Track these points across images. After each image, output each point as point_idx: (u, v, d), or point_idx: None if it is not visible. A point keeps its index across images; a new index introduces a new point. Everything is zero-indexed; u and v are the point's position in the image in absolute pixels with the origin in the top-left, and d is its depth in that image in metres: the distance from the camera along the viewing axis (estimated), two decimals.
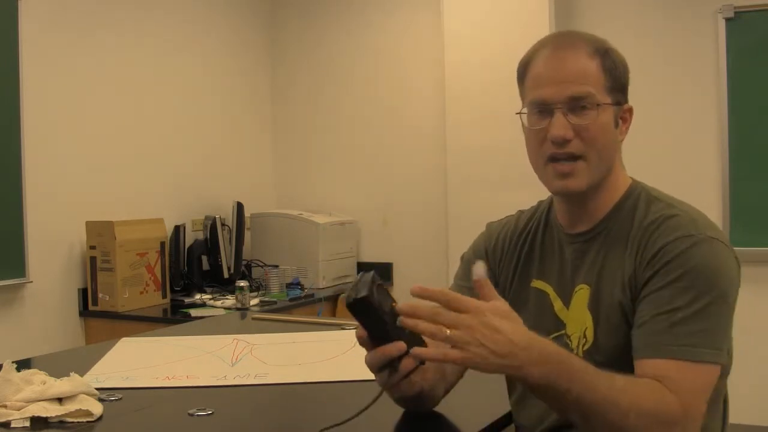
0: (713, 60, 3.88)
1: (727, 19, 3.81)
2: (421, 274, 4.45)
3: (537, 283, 1.35)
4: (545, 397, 1.10)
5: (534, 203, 1.48)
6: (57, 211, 3.52)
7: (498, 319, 1.04)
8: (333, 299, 4.05)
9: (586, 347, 1.25)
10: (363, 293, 1.08)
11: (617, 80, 1.28)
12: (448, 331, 1.02)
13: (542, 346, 1.07)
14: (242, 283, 3.58)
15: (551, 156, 1.26)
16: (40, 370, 1.52)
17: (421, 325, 1.03)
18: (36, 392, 1.39)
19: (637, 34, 4.05)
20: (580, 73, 1.25)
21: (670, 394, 1.10)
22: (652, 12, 4.03)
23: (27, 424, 1.35)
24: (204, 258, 4.14)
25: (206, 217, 4.20)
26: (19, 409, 1.37)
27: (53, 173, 3.50)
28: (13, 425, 1.34)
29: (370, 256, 4.60)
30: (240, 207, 4.22)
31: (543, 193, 1.42)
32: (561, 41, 1.30)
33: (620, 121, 1.30)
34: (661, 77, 4.01)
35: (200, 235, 4.18)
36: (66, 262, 3.59)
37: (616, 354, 1.21)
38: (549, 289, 1.34)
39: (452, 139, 4.14)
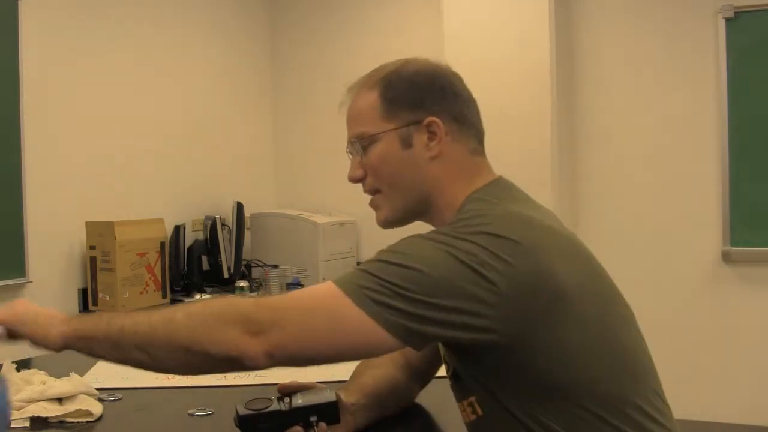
0: (713, 60, 3.88)
1: (727, 19, 3.81)
2: None
3: None
4: (95, 348, 1.11)
5: None
6: (57, 211, 3.52)
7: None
8: None
9: (449, 372, 1.23)
10: (236, 414, 1.16)
11: (402, 101, 1.23)
12: None
13: (46, 311, 1.14)
14: (242, 283, 3.59)
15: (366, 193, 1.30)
16: (40, 370, 1.52)
17: None
18: (36, 392, 1.39)
19: (637, 34, 4.06)
20: (353, 115, 1.27)
21: (251, 301, 1.08)
22: (652, 12, 4.03)
23: (27, 424, 1.35)
24: (204, 258, 4.15)
25: (206, 217, 4.20)
26: (19, 409, 1.37)
27: (53, 173, 3.50)
28: (13, 425, 1.34)
29: (369, 256, 4.58)
30: (240, 207, 4.22)
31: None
32: (352, 86, 1.30)
33: (427, 137, 1.22)
34: (661, 77, 4.01)
35: (200, 235, 4.19)
36: (66, 262, 3.59)
37: (467, 375, 1.15)
38: None
39: None
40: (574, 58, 4.17)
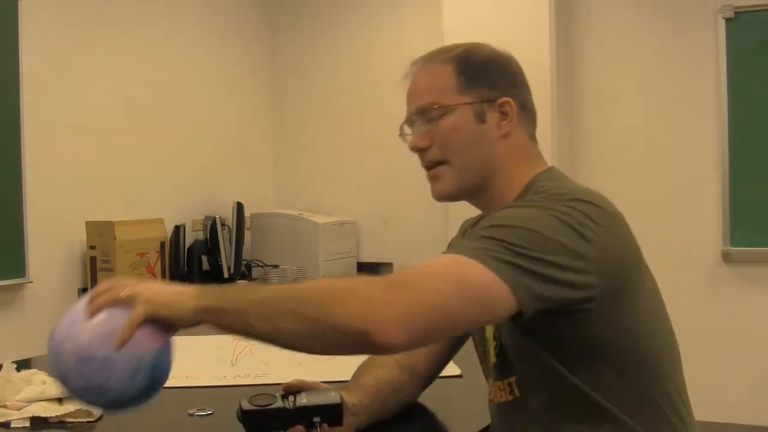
0: (713, 60, 3.88)
1: (727, 19, 3.81)
2: None
3: None
4: (225, 319, 1.08)
5: None
6: (57, 211, 3.52)
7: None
8: None
9: (496, 349, 1.25)
10: (240, 409, 1.16)
11: (478, 78, 1.27)
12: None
13: (201, 286, 1.11)
14: (242, 283, 3.58)
15: (424, 167, 1.30)
16: (40, 370, 1.52)
17: (101, 300, 1.07)
18: (36, 392, 1.39)
19: (637, 34, 4.06)
20: (425, 85, 1.29)
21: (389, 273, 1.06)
22: (652, 12, 4.03)
23: (27, 424, 1.35)
24: (204, 258, 4.14)
25: (206, 217, 4.20)
26: (19, 409, 1.37)
27: (53, 173, 3.50)
28: (13, 425, 1.34)
29: (370, 256, 4.60)
30: (240, 207, 4.22)
31: None
32: (420, 59, 1.33)
33: (499, 116, 1.26)
34: (661, 77, 4.01)
35: (200, 235, 4.18)
36: (66, 262, 3.59)
37: (517, 353, 1.20)
38: None
39: None
40: (574, 58, 4.17)
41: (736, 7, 3.80)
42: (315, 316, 1.00)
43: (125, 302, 1.06)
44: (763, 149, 3.82)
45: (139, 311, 1.05)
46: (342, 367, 1.72)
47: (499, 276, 1.03)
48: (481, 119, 1.25)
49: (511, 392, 1.21)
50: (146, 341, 1.07)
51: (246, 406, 1.16)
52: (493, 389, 1.26)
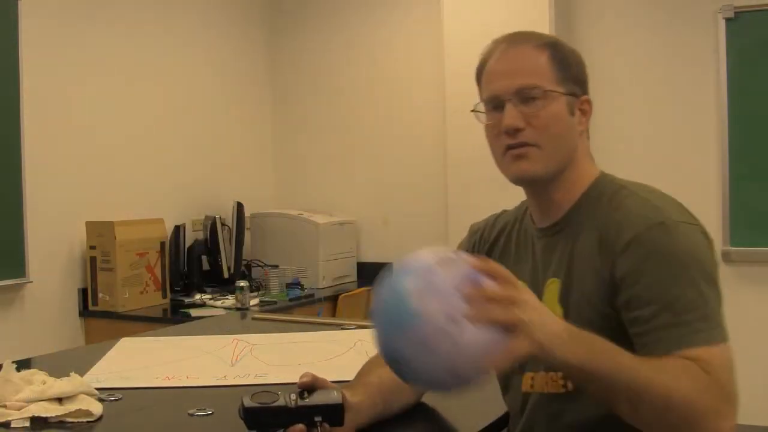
0: (713, 60, 3.88)
1: (727, 19, 3.81)
2: None
3: None
4: (590, 384, 1.07)
5: None
6: (57, 211, 3.52)
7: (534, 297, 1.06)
8: (333, 299, 4.05)
9: None
10: (241, 406, 1.16)
11: (569, 71, 1.29)
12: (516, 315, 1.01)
13: (571, 326, 1.07)
14: (242, 283, 3.58)
15: (507, 146, 1.29)
16: (40, 370, 1.52)
17: (493, 315, 1.00)
18: (36, 392, 1.39)
19: (637, 35, 4.06)
20: (527, 66, 1.28)
21: (704, 372, 1.07)
22: (652, 12, 4.03)
23: (27, 424, 1.35)
24: (204, 258, 4.14)
25: (206, 217, 4.20)
26: (19, 409, 1.36)
27: (53, 173, 3.50)
28: (13, 425, 1.34)
29: (369, 256, 4.60)
30: (240, 207, 4.22)
31: None
32: (511, 39, 1.32)
33: (579, 113, 1.31)
34: (662, 77, 4.01)
35: (200, 235, 4.18)
36: (66, 262, 3.59)
37: None
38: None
39: (452, 139, 4.14)
40: None
41: (736, 7, 3.80)
42: (678, 428, 1.06)
43: (510, 326, 1.00)
44: (763, 149, 3.81)
45: (523, 350, 1.00)
46: (343, 367, 1.72)
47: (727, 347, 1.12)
48: (571, 112, 1.29)
49: (564, 385, 1.23)
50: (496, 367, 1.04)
51: (248, 403, 1.16)
52: (540, 379, 1.27)
